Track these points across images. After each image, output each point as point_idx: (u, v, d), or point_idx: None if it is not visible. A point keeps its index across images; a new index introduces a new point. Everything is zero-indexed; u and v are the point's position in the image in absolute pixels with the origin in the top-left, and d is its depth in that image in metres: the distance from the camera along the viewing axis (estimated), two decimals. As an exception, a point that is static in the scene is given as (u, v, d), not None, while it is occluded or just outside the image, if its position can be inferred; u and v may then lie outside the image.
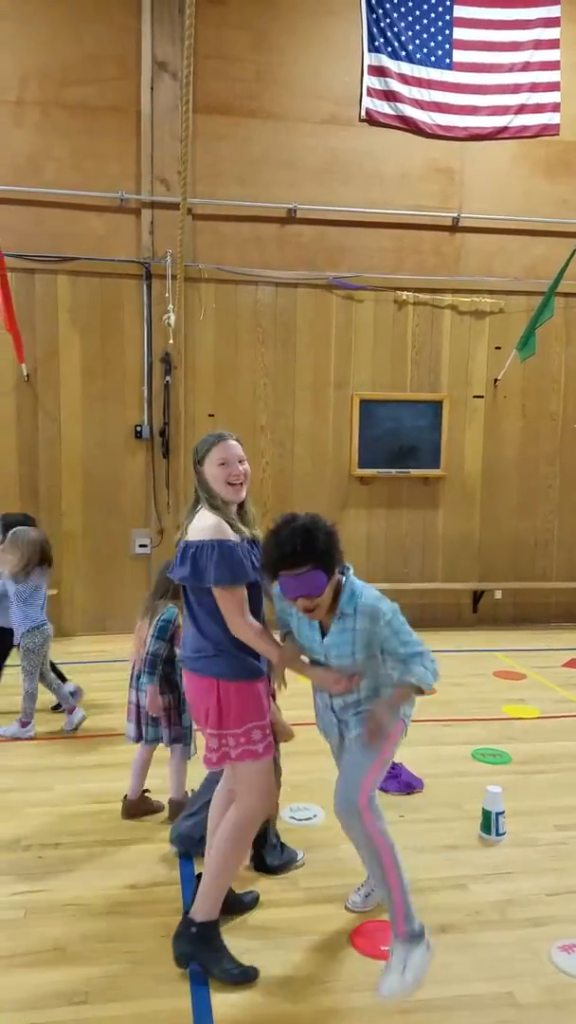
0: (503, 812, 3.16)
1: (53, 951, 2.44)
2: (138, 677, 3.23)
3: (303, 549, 2.12)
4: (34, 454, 6.17)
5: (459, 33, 6.31)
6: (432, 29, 6.27)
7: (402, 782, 3.66)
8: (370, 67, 6.22)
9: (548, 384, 6.78)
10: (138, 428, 6.26)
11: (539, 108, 6.45)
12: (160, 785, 3.35)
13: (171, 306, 5.94)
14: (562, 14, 6.42)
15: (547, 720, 4.56)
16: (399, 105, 6.27)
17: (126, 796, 3.31)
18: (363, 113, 6.26)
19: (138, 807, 3.29)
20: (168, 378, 6.21)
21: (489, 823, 3.15)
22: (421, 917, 2.31)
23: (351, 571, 2.36)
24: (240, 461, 2.37)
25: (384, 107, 6.26)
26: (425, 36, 6.30)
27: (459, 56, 6.33)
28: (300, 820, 3.29)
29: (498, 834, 3.13)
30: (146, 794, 3.33)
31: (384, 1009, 2.11)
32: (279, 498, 6.52)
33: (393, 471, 6.62)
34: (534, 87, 6.44)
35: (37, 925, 2.57)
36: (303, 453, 6.55)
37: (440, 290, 6.54)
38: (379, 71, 6.23)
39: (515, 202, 6.53)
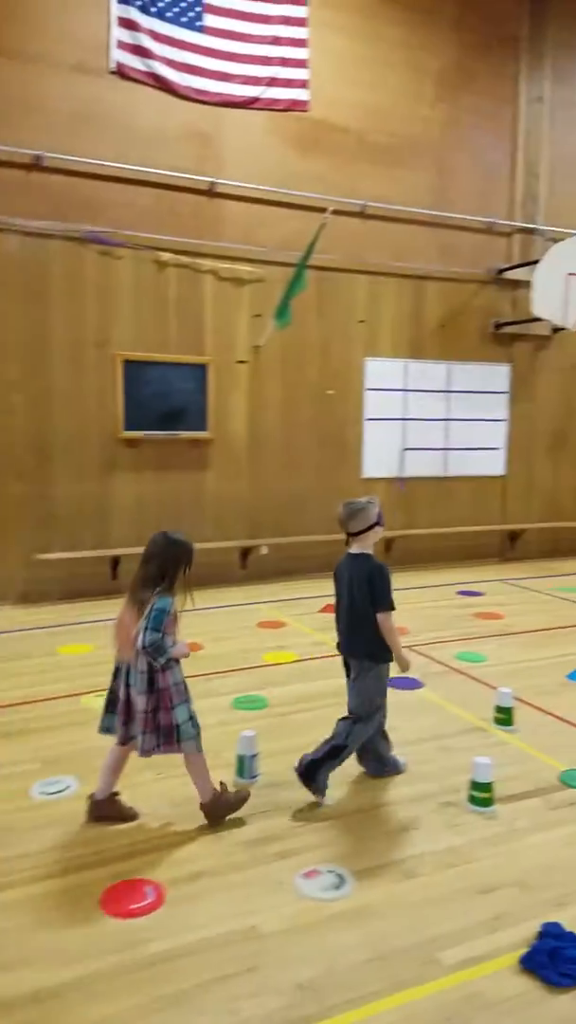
0: (256, 755, 3.25)
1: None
2: (128, 674, 2.84)
3: None
4: None
5: (210, -3, 6.34)
6: (184, -11, 6.25)
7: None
8: (119, 19, 6.08)
9: (303, 353, 7.15)
10: None
11: (289, 83, 6.71)
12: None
13: None
14: (309, -4, 6.69)
15: (303, 663, 4.79)
16: (151, 62, 6.20)
17: (92, 795, 2.96)
18: (114, 66, 6.11)
19: (107, 808, 2.94)
20: None
21: (243, 767, 3.22)
22: (171, 871, 2.60)
23: None
24: None
25: (135, 62, 6.16)
26: (177, -5, 6.26)
27: (210, 20, 6.39)
28: (51, 794, 3.15)
29: (251, 776, 3.20)
30: (116, 796, 2.99)
31: (122, 966, 2.17)
32: (40, 460, 6.29)
33: (161, 433, 6.65)
34: (284, 62, 6.68)
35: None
36: (63, 413, 6.35)
37: (201, 254, 6.62)
38: (129, 24, 6.11)
39: (271, 174, 6.75)
